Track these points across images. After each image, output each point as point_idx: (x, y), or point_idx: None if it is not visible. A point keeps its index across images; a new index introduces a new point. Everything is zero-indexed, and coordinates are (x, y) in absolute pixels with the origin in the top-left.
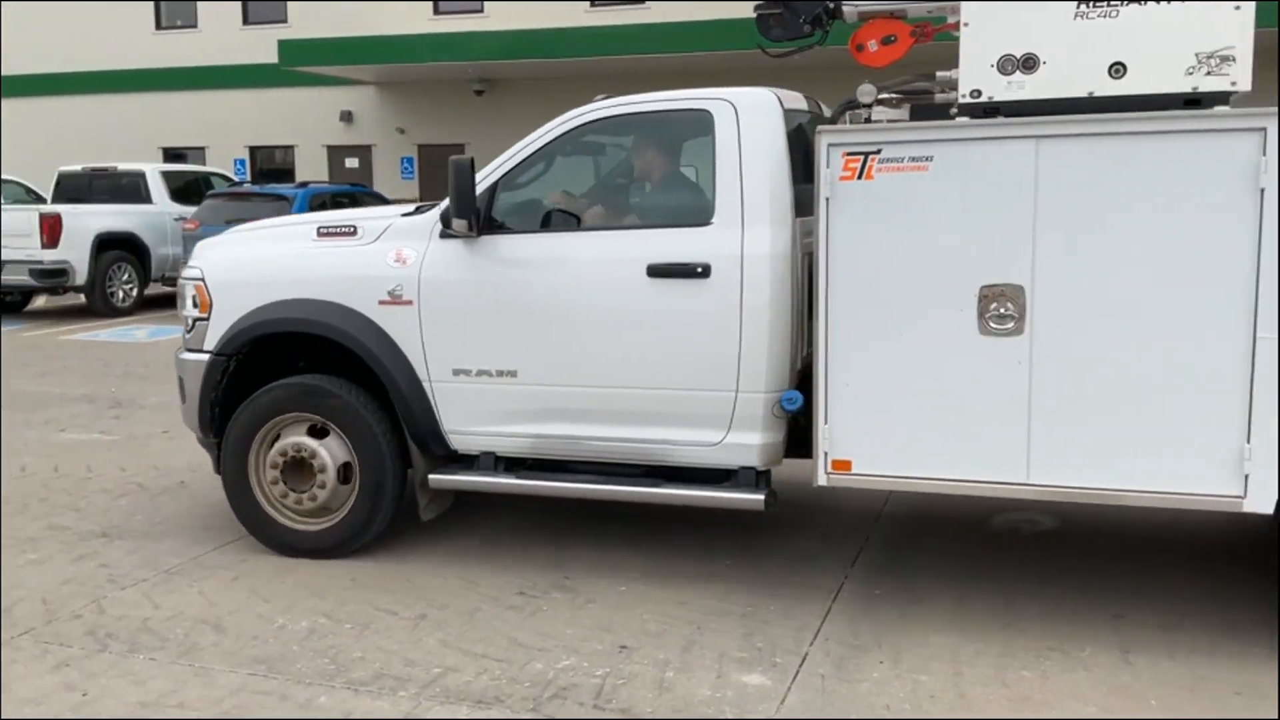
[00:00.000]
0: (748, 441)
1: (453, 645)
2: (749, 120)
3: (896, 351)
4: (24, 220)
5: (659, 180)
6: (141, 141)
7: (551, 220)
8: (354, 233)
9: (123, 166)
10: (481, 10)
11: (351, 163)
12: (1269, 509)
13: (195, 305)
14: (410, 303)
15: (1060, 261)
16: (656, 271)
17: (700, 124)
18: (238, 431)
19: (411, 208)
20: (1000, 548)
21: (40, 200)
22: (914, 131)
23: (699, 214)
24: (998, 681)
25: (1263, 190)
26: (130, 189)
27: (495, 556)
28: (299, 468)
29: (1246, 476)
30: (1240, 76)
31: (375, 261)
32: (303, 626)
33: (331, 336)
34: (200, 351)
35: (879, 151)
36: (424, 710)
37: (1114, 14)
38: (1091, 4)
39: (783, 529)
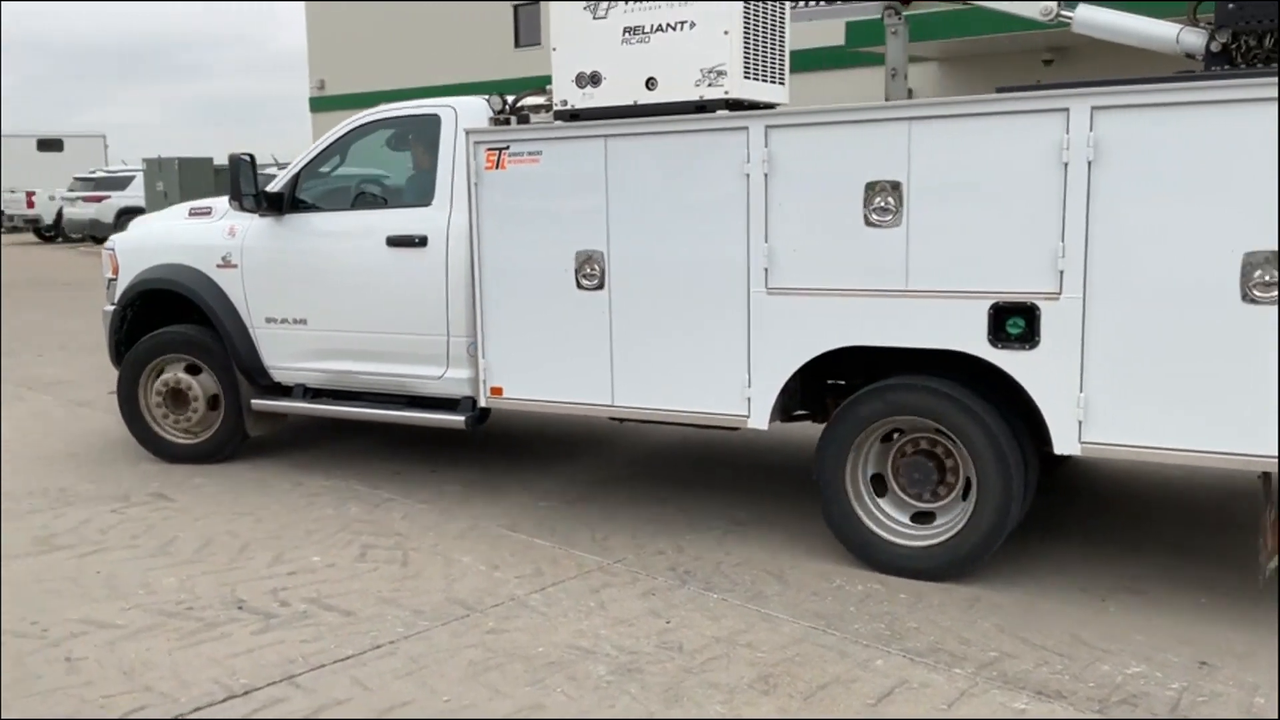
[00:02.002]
0: (460, 376)
1: (1009, 632)
2: (465, 122)
3: (526, 302)
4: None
5: (407, 170)
6: None
7: (331, 202)
8: (209, 212)
9: None
10: None
11: None
12: (763, 427)
13: (110, 270)
14: (236, 266)
15: (625, 233)
16: (393, 242)
17: (432, 126)
18: (128, 369)
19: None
20: None
21: None
22: (528, 131)
23: (425, 197)
24: None
25: (748, 175)
26: None
27: (1057, 549)
28: (177, 396)
29: (749, 400)
30: (732, 86)
31: (215, 234)
32: (859, 589)
33: (181, 292)
34: (112, 305)
35: (508, 147)
36: (980, 690)
37: (647, 40)
38: (632, 33)
39: None
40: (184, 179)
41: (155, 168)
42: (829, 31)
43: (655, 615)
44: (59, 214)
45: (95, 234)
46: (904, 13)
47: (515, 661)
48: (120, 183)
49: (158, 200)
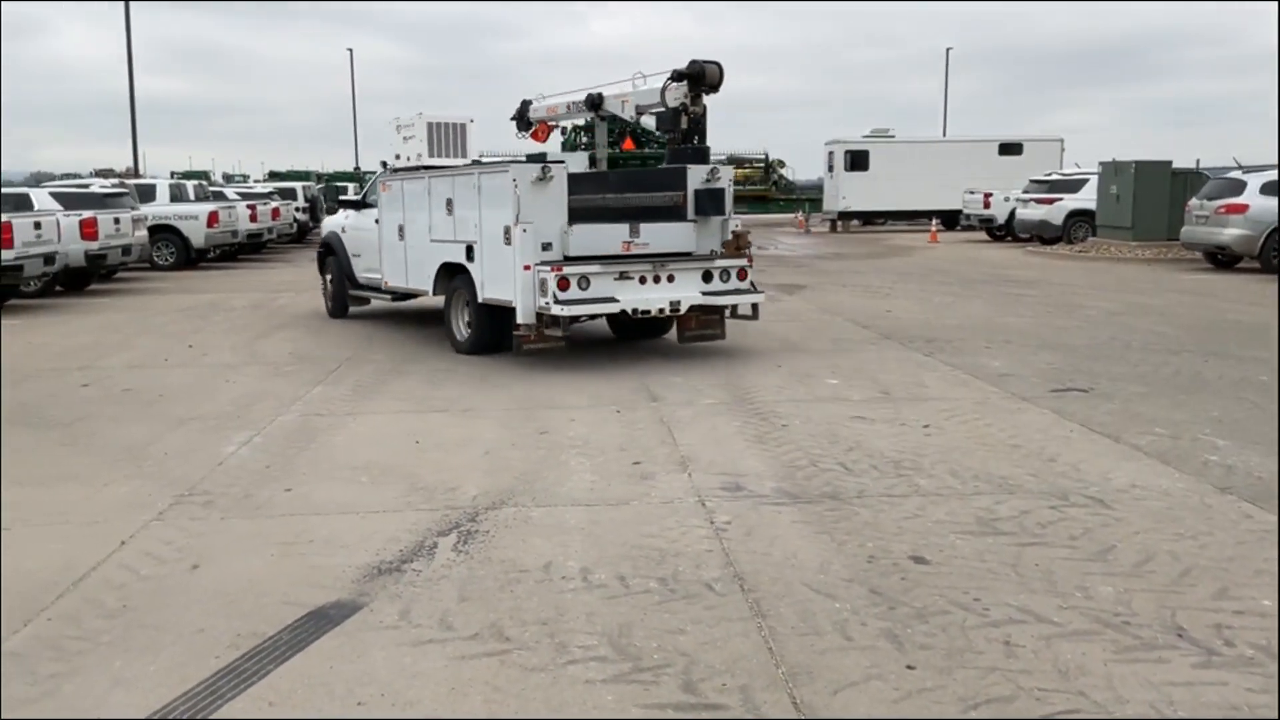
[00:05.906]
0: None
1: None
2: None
3: (389, 247)
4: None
5: None
6: None
7: (371, 203)
8: (345, 209)
9: None
10: None
11: None
12: (431, 296)
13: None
14: (345, 231)
15: (408, 216)
16: (375, 220)
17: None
18: (321, 276)
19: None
20: None
21: None
22: (389, 176)
23: None
24: None
25: (423, 193)
26: None
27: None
28: (325, 287)
29: (429, 285)
30: (424, 159)
31: (342, 218)
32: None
33: (331, 242)
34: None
35: (385, 182)
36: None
37: (406, 142)
38: (404, 139)
39: None
40: (1139, 182)
41: (1111, 171)
42: None
43: None
44: (1011, 214)
45: (1042, 234)
46: (601, 114)
47: None
48: (1074, 185)
49: (1109, 203)
